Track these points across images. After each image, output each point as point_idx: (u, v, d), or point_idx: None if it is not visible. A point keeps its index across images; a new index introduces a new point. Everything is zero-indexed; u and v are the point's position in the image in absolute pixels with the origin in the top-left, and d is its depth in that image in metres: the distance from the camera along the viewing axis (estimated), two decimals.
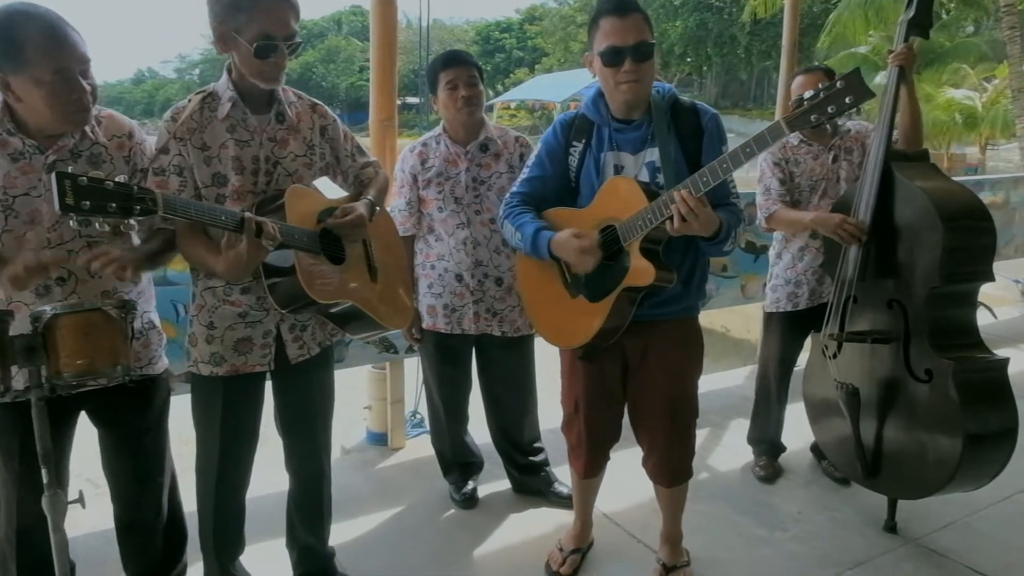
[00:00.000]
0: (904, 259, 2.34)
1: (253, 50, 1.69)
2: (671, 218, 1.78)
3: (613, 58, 1.88)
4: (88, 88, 1.62)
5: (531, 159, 2.17)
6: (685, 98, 2.06)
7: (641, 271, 1.88)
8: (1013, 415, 2.25)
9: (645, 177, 1.99)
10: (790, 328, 2.89)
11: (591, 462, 2.28)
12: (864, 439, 2.46)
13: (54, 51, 1.55)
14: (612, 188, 1.98)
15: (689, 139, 1.99)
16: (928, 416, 2.26)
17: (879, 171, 2.37)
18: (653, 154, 1.98)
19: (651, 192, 1.89)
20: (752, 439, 3.10)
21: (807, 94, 1.69)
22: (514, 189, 2.16)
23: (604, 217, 1.96)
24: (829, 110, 1.64)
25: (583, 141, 2.06)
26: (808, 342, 2.83)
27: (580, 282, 2.03)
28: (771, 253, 2.97)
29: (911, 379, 2.30)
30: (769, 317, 2.97)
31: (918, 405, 2.29)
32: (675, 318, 2.08)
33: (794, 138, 2.78)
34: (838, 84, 1.63)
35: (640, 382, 2.14)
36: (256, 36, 1.69)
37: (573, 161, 2.08)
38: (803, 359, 2.90)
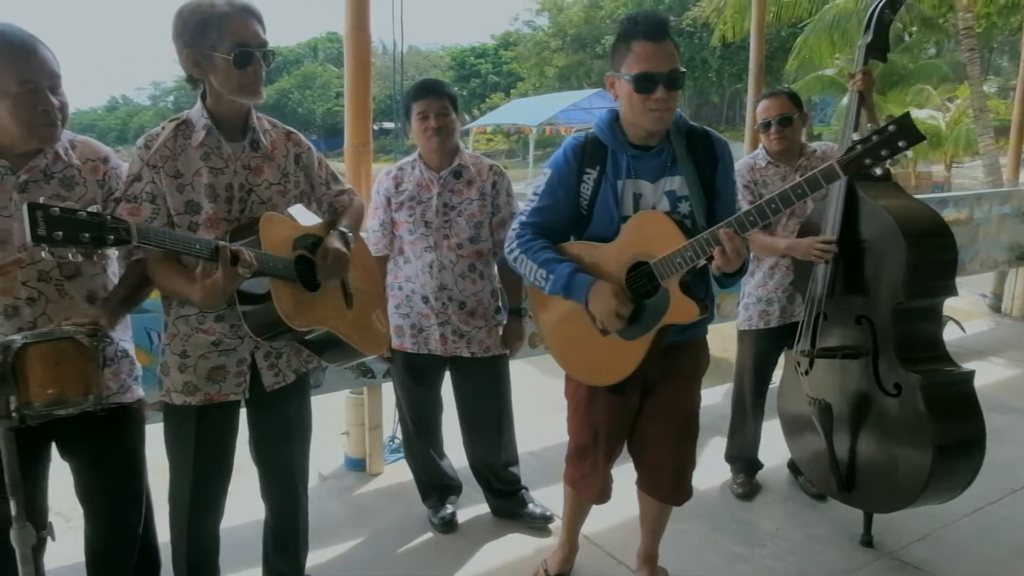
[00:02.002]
0: (870, 276, 2.39)
1: (232, 59, 1.70)
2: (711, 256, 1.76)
3: (647, 85, 1.83)
4: (57, 103, 1.62)
5: (540, 187, 2.04)
6: (695, 123, 2.03)
7: (686, 309, 1.84)
8: (981, 426, 2.30)
9: (666, 206, 1.95)
10: (763, 345, 2.93)
11: (606, 485, 2.24)
12: (838, 454, 2.49)
13: (21, 62, 1.55)
14: (642, 223, 1.91)
15: (705, 167, 1.97)
16: (899, 429, 2.30)
17: (844, 191, 2.43)
18: (673, 182, 1.95)
19: (685, 228, 1.85)
20: (729, 457, 3.13)
21: (855, 136, 1.69)
22: (524, 219, 2.03)
23: (634, 253, 1.90)
24: (882, 153, 1.64)
25: (597, 168, 1.97)
26: (782, 359, 2.87)
27: None
28: None
29: (881, 393, 2.34)
30: (742, 335, 3.01)
31: (889, 419, 2.34)
32: (694, 339, 2.11)
33: (762, 160, 2.85)
34: (890, 128, 1.63)
35: (658, 405, 2.12)
36: (232, 46, 1.70)
37: (586, 189, 1.99)
38: (778, 376, 2.94)
